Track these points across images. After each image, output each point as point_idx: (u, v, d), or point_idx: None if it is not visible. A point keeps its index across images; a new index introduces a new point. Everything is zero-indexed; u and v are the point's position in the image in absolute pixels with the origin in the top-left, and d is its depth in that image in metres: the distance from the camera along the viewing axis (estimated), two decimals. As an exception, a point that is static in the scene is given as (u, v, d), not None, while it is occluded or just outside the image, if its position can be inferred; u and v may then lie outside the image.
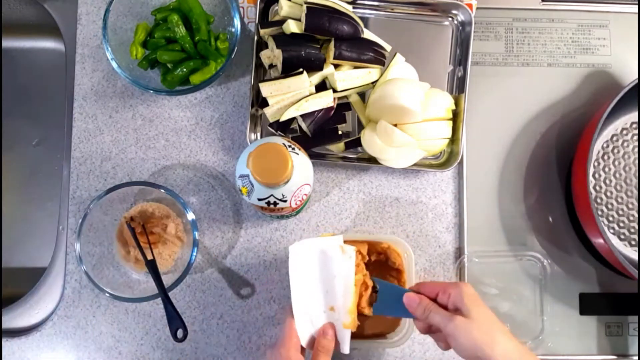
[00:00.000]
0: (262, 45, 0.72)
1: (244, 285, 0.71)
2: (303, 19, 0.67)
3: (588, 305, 0.71)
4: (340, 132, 0.72)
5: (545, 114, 0.75)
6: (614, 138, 0.74)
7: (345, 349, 0.57)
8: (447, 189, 0.73)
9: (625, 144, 0.74)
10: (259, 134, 0.73)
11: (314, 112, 0.69)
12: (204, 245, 0.72)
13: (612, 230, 0.73)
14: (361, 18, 0.72)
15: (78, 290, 0.71)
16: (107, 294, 0.65)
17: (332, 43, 0.68)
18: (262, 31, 0.70)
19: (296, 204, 0.59)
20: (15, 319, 0.71)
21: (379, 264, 0.67)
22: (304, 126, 0.70)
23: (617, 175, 0.73)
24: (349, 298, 0.57)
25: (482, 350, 0.51)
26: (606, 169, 0.74)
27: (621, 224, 0.73)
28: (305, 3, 0.67)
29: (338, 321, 0.57)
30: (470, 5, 0.73)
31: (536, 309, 0.71)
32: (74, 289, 0.71)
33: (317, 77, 0.70)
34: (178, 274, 0.66)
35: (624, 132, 0.74)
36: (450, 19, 0.75)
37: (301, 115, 0.69)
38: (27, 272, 0.80)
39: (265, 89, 0.68)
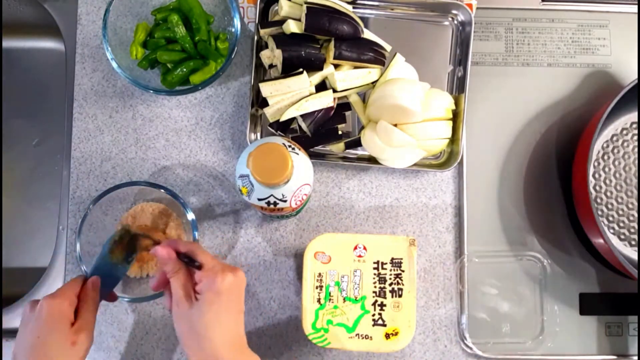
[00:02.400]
0: (262, 45, 0.72)
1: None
2: (303, 19, 0.67)
3: (588, 305, 0.71)
4: (340, 132, 0.72)
5: (545, 114, 0.75)
6: (614, 138, 0.74)
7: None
8: (447, 189, 0.73)
9: (625, 144, 0.74)
10: (259, 134, 0.73)
11: (314, 112, 0.69)
12: (204, 245, 0.72)
13: (612, 230, 0.73)
14: (361, 18, 0.72)
15: (78, 290, 0.71)
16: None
17: (332, 43, 0.68)
18: (262, 31, 0.70)
19: (296, 204, 0.59)
20: (15, 319, 0.71)
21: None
22: (304, 126, 0.70)
23: (617, 175, 0.73)
24: None
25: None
26: (606, 169, 0.74)
27: (621, 224, 0.73)
28: (305, 3, 0.67)
29: None
30: (470, 5, 0.73)
31: (536, 309, 0.71)
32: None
33: (317, 77, 0.70)
34: (178, 274, 0.66)
35: (624, 132, 0.74)
36: (450, 19, 0.75)
37: (301, 115, 0.69)
38: (27, 272, 0.80)
39: (265, 89, 0.68)
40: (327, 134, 0.72)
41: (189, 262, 0.55)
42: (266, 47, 0.72)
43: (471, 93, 0.72)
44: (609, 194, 0.73)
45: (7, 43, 0.85)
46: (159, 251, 0.55)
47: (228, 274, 0.53)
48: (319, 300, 0.64)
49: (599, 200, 0.73)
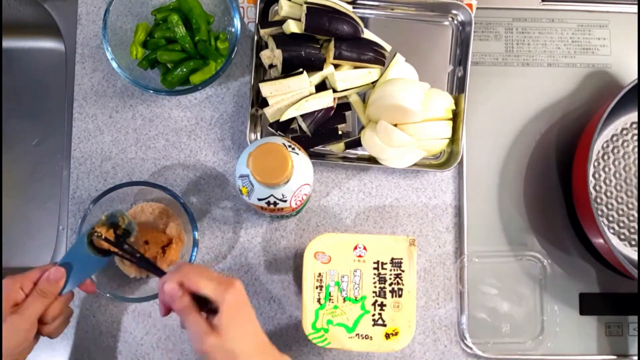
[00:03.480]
0: (262, 45, 0.72)
1: (244, 285, 0.71)
2: (303, 19, 0.67)
3: (588, 305, 0.71)
4: (340, 132, 0.72)
5: (545, 114, 0.75)
6: (614, 138, 0.74)
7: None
8: (447, 189, 0.73)
9: (625, 144, 0.74)
10: (259, 134, 0.73)
11: (314, 112, 0.69)
12: (204, 245, 0.72)
13: (612, 230, 0.73)
14: (361, 18, 0.72)
15: (77, 290, 0.71)
16: (107, 294, 0.64)
17: (332, 43, 0.68)
18: (262, 31, 0.70)
19: (296, 204, 0.59)
20: (15, 319, 0.71)
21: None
22: (304, 126, 0.70)
23: (617, 175, 0.73)
24: None
25: None
26: (606, 169, 0.74)
27: (621, 224, 0.73)
28: (305, 3, 0.67)
29: None
30: (470, 5, 0.73)
31: (536, 309, 0.71)
32: (74, 289, 0.70)
33: (317, 77, 0.70)
34: (178, 274, 0.66)
35: (624, 132, 0.74)
36: (450, 19, 0.75)
37: (301, 115, 0.69)
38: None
39: (265, 89, 0.68)
40: (327, 134, 0.72)
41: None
42: (266, 47, 0.72)
43: (471, 93, 0.72)
44: (609, 194, 0.73)
45: (7, 43, 0.85)
46: (167, 289, 0.53)
47: (229, 291, 0.53)
48: (319, 300, 0.64)
49: (599, 200, 0.73)
